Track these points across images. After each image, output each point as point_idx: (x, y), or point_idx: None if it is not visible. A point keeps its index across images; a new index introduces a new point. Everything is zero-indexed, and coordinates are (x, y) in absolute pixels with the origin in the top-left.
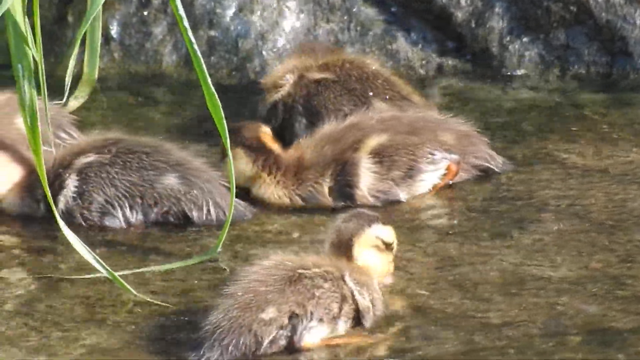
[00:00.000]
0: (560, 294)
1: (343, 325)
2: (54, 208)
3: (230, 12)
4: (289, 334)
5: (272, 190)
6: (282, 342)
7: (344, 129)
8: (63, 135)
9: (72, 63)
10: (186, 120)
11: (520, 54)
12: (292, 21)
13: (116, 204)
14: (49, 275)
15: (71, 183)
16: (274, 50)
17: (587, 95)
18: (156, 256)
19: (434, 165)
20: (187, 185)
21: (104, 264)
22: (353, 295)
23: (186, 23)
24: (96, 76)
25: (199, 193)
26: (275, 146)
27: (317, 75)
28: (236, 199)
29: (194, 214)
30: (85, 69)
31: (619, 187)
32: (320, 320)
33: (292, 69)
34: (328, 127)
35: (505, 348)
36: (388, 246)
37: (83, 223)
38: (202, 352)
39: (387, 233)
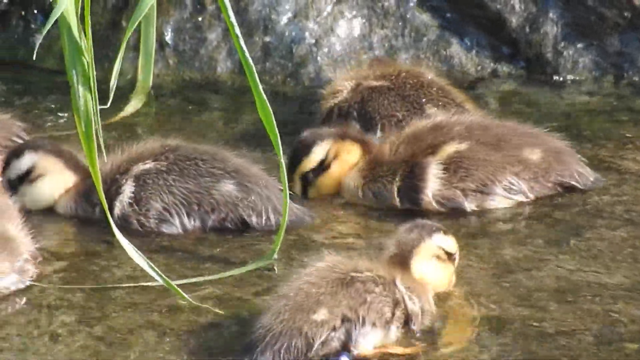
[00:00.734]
0: (615, 300)
1: (395, 331)
2: (108, 215)
3: (285, 18)
4: (342, 337)
5: (353, 175)
6: (335, 344)
7: (428, 130)
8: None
9: (117, 67)
10: (241, 127)
11: (574, 60)
12: (346, 27)
13: (173, 211)
14: (103, 282)
15: (128, 189)
16: (329, 55)
17: None
18: (212, 263)
19: (508, 193)
20: (244, 192)
21: (158, 271)
22: (404, 300)
23: (237, 30)
24: (150, 82)
25: (257, 199)
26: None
27: (374, 83)
28: (295, 204)
29: (253, 220)
30: (140, 75)
31: None
32: (374, 325)
33: (351, 78)
34: (415, 124)
35: (560, 357)
36: (450, 256)
37: (140, 229)
38: (254, 357)
39: (450, 243)
